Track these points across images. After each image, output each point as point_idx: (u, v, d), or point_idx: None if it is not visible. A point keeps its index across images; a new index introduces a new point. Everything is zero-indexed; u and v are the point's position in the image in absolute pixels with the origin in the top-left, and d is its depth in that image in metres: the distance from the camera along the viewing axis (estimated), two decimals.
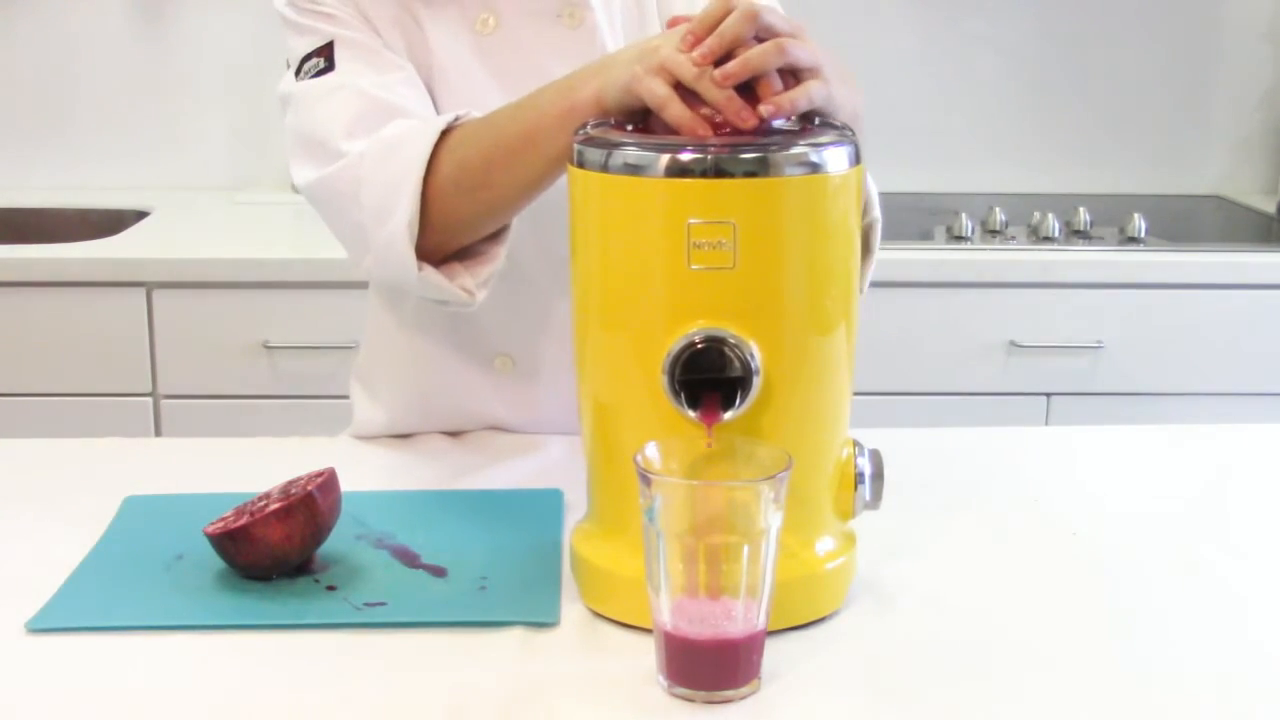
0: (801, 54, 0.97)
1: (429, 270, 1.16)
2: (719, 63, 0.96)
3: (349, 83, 1.20)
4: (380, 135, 1.17)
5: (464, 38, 1.25)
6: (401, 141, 1.16)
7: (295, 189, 1.28)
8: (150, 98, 2.71)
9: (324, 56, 1.22)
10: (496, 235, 1.19)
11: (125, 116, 2.72)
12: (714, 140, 0.94)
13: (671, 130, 0.97)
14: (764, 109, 0.96)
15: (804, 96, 0.97)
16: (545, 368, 1.32)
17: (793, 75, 0.98)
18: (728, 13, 0.97)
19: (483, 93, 1.23)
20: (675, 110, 0.96)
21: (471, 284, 1.18)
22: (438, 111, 1.24)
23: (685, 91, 0.97)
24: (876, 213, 1.17)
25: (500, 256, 1.19)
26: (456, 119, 1.16)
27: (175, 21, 2.68)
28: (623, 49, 1.07)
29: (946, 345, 2.29)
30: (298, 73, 1.24)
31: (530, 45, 1.25)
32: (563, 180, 1.02)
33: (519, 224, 1.20)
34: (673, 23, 1.05)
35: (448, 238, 1.17)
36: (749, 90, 0.97)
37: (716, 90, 0.96)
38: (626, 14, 1.29)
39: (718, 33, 0.97)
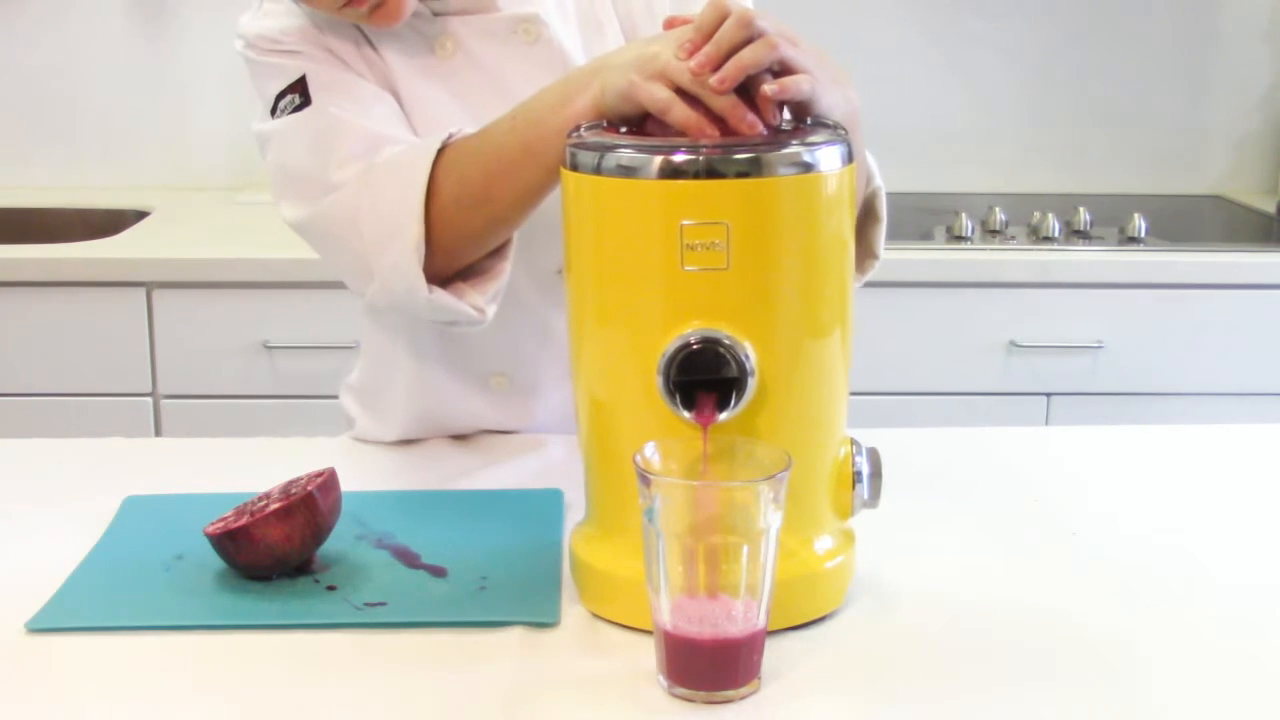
0: (793, 53, 0.97)
1: (439, 292, 1.15)
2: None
3: (330, 114, 1.19)
4: (373, 162, 1.16)
5: (425, 63, 1.24)
6: (397, 165, 1.15)
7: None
8: (150, 98, 2.71)
9: (298, 92, 1.20)
10: (499, 250, 1.18)
11: (125, 116, 2.72)
12: (706, 141, 0.94)
13: (671, 132, 0.97)
14: (768, 88, 0.95)
15: (806, 81, 0.97)
16: (541, 383, 1.32)
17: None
18: (723, 19, 0.96)
19: (448, 115, 1.22)
20: (680, 112, 0.96)
21: (481, 301, 1.17)
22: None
23: (684, 95, 0.97)
24: (879, 181, 1.18)
25: (505, 271, 1.18)
26: (450, 137, 1.15)
27: (175, 21, 2.68)
28: (617, 52, 1.06)
29: (946, 345, 2.29)
30: (273, 111, 1.22)
31: (491, 64, 1.24)
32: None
33: None
34: (669, 24, 1.05)
35: (453, 257, 1.16)
36: (747, 96, 0.96)
37: (720, 99, 0.95)
38: (582, 16, 1.28)
39: (714, 40, 0.96)
